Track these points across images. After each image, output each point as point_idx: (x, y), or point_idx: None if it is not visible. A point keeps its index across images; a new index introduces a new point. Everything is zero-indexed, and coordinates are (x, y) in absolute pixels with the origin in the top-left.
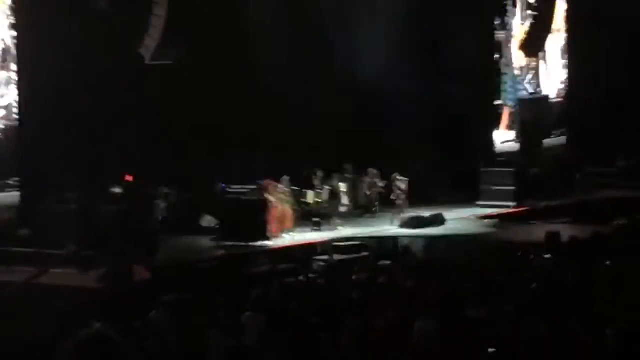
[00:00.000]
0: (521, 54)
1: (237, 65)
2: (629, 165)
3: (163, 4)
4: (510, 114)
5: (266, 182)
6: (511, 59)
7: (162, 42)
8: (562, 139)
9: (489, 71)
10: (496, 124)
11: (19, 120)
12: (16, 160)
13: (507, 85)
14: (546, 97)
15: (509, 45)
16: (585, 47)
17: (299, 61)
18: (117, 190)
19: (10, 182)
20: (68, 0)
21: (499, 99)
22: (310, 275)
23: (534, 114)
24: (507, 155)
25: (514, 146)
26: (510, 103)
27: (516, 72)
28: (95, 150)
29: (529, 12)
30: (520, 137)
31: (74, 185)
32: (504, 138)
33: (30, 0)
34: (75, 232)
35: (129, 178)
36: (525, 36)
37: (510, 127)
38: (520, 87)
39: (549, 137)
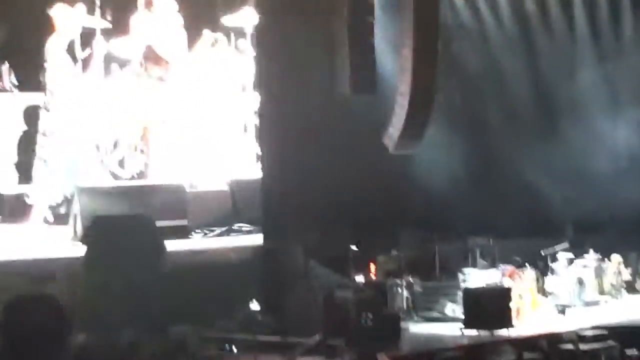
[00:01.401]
0: None
1: (472, 152)
2: None
3: (406, 94)
4: None
5: (509, 269)
6: None
7: (404, 132)
8: None
9: None
10: None
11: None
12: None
13: None
14: None
15: None
16: None
17: (538, 141)
18: (361, 278)
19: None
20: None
21: None
22: None
23: None
24: None
25: None
26: None
27: None
28: (338, 239)
29: None
30: None
31: (319, 273)
32: None
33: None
34: (320, 320)
35: (372, 266)
36: None
37: None
38: None
39: None
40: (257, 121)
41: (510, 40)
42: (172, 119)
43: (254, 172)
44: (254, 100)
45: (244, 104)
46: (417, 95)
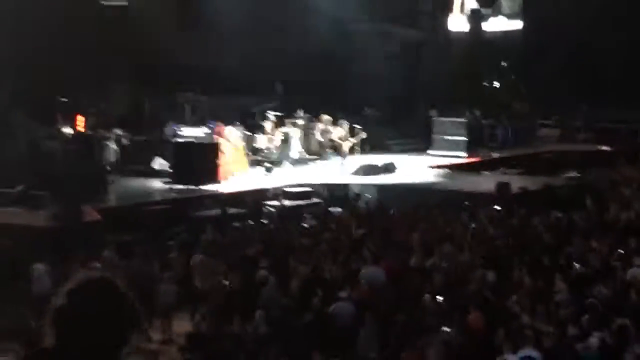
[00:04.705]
0: None
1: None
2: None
3: None
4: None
5: (218, 125)
6: None
7: None
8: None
9: None
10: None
11: None
12: None
13: None
14: None
15: None
16: None
17: (260, 10)
18: (68, 130)
19: None
20: None
21: None
22: (261, 220)
23: None
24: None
25: None
26: None
27: None
28: (43, 88)
29: None
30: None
31: (23, 122)
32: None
33: None
34: (24, 170)
35: (80, 118)
36: None
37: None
38: None
39: None
40: None
41: None
42: None
43: None
44: None
45: None
46: None
